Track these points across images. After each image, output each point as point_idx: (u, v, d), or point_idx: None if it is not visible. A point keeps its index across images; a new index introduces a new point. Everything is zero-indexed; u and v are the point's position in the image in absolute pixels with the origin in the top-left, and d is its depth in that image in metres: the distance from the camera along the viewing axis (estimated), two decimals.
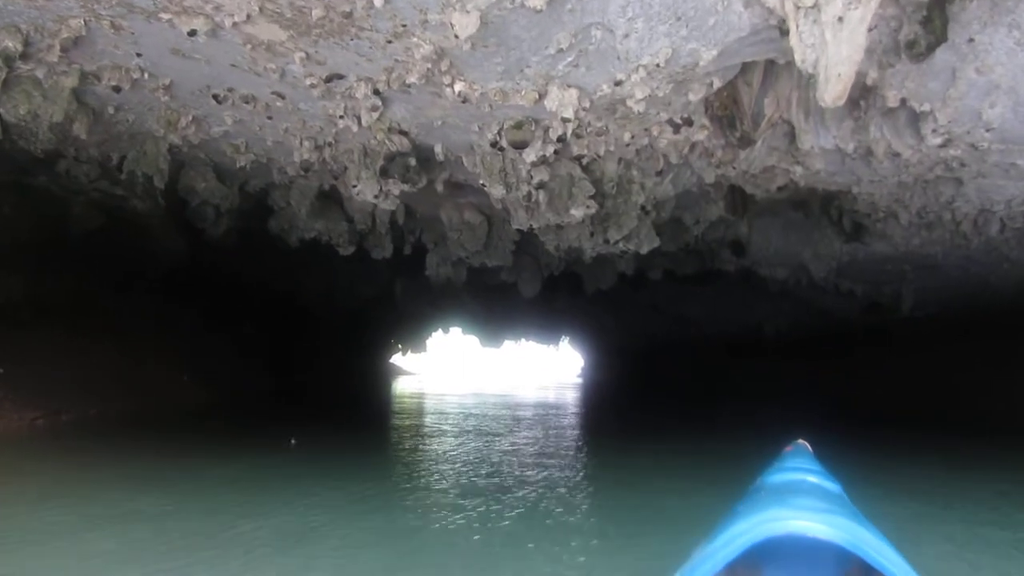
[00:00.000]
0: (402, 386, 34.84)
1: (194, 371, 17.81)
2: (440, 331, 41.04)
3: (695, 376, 34.22)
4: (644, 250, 11.89)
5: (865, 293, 18.26)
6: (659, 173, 10.80)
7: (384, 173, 8.65)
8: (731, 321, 27.43)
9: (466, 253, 12.88)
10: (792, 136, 9.93)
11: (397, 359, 45.62)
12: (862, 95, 8.88)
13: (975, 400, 18.95)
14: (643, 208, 11.04)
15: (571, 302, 27.83)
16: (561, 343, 49.58)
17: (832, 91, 5.93)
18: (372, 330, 29.49)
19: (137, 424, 12.89)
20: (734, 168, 10.72)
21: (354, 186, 9.03)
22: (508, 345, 47.20)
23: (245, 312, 21.68)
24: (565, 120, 7.30)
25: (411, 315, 25.74)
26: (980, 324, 18.53)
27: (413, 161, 8.59)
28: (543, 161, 8.47)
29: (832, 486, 3.81)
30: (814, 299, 20.61)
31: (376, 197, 9.06)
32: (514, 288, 20.96)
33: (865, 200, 11.85)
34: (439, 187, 10.12)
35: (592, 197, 9.57)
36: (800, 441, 5.13)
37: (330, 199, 11.49)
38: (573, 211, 9.44)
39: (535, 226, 10.10)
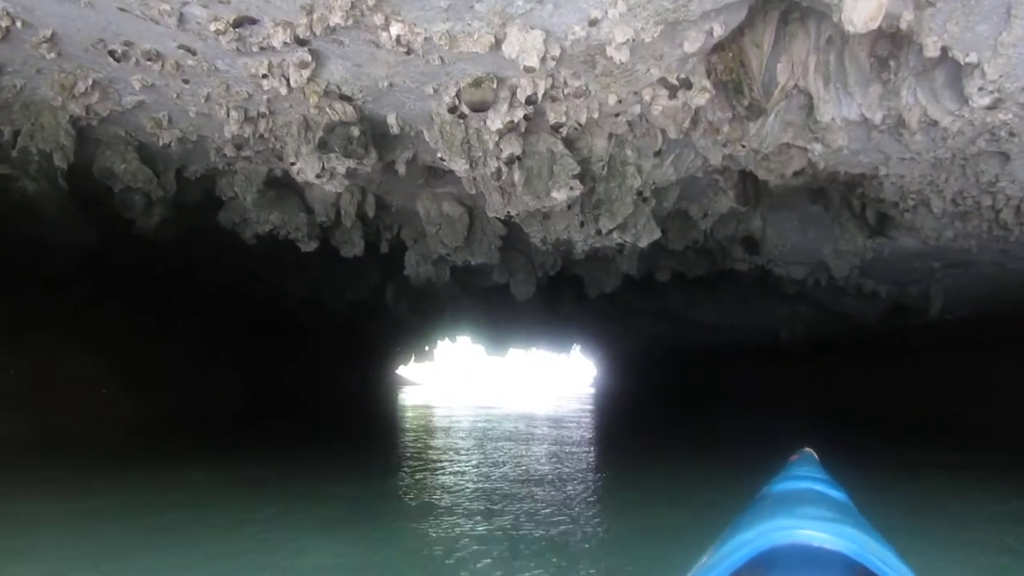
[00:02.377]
0: (405, 399, 33.54)
1: (129, 383, 16.18)
2: (447, 340, 39.79)
3: (709, 385, 32.98)
4: (644, 243, 10.53)
5: (890, 294, 16.84)
6: (657, 154, 9.44)
7: (323, 147, 7.30)
8: (746, 328, 26.01)
9: (446, 249, 11.53)
10: (810, 108, 8.58)
11: (402, 370, 44.33)
12: (892, 52, 7.54)
13: (1006, 409, 17.61)
14: (640, 194, 9.68)
15: (577, 307, 26.57)
16: (572, 352, 48.19)
17: (864, 9, 4.55)
18: (370, 338, 28.13)
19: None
20: (743, 147, 9.35)
21: (292, 164, 7.68)
22: (516, 354, 45.95)
23: (209, 318, 19.97)
24: (528, 69, 5.93)
25: (406, 322, 24.31)
26: (1016, 328, 17.16)
27: (356, 131, 7.23)
28: (511, 128, 7.09)
29: (839, 495, 3.71)
30: (834, 302, 19.19)
31: (319, 177, 7.70)
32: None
33: (893, 186, 10.47)
34: (401, 168, 8.75)
35: (578, 178, 8.21)
36: (807, 449, 5.05)
37: (286, 187, 10.17)
38: (555, 193, 8.07)
39: (512, 213, 8.74)
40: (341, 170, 7.62)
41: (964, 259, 13.55)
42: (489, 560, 6.42)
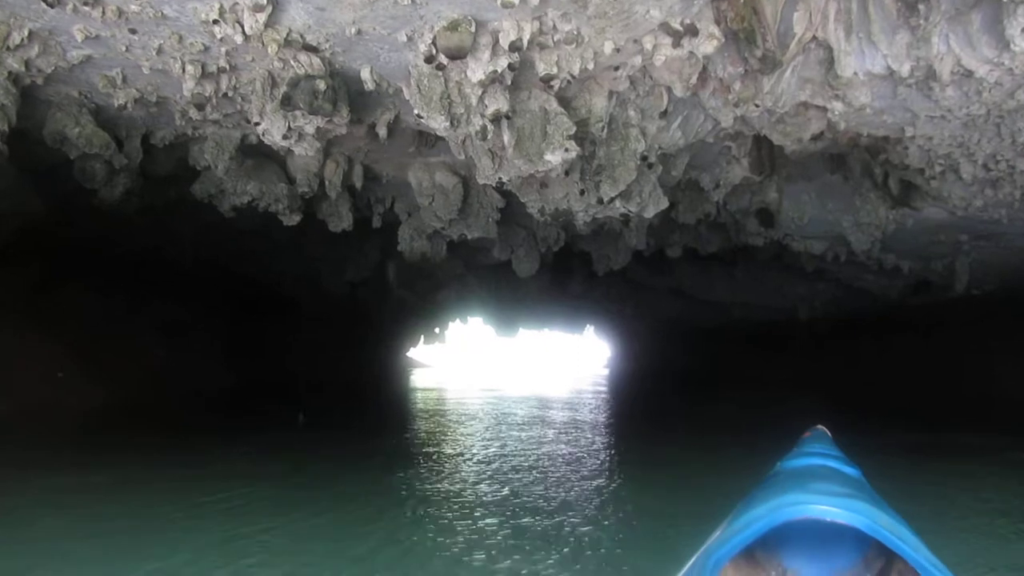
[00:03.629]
0: (412, 382, 32.78)
1: (92, 366, 15.08)
2: (458, 321, 39.05)
3: (725, 365, 32.30)
4: (650, 213, 9.79)
5: (912, 270, 16.04)
6: (663, 115, 8.69)
7: (287, 102, 6.57)
8: (763, 307, 25.39)
9: (441, 223, 10.82)
10: (829, 63, 7.84)
11: (412, 352, 43.64)
12: None
13: None
14: (644, 159, 8.94)
15: (588, 286, 25.91)
16: (585, 333, 47.40)
17: None
18: (375, 320, 27.41)
19: None
20: (757, 106, 8.59)
21: (257, 124, 6.95)
22: (528, 334, 45.20)
23: (190, 298, 18.95)
24: (507, 4, 5.18)
25: (411, 302, 23.56)
26: None
27: (322, 84, 6.48)
28: (495, 79, 6.34)
29: (852, 471, 3.77)
30: (854, 278, 18.48)
31: (286, 138, 6.99)
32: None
33: (919, 149, 9.70)
34: (382, 131, 8.01)
35: (575, 140, 7.46)
36: (819, 426, 5.13)
37: (265, 157, 9.46)
38: (548, 156, 7.32)
39: (504, 179, 7.99)
40: (310, 130, 6.90)
41: (993, 230, 12.78)
42: None
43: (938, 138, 9.02)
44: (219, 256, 16.91)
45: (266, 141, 7.21)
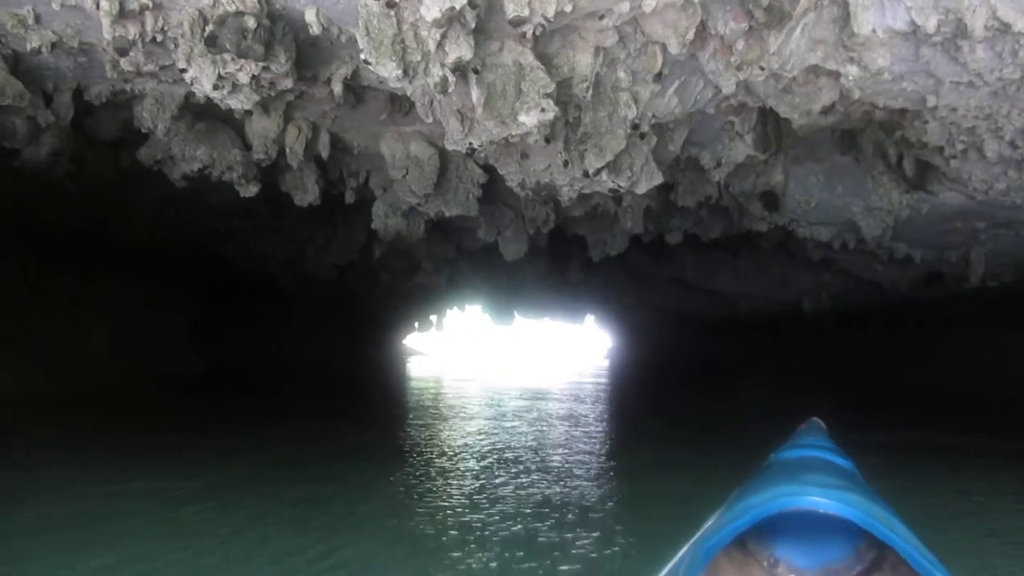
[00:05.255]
0: (407, 372, 31.83)
1: (18, 350, 13.72)
2: (455, 309, 38.21)
3: (727, 358, 31.63)
4: (642, 189, 8.90)
5: (925, 260, 15.20)
6: (657, 78, 7.79)
7: (212, 43, 5.67)
8: (767, 298, 24.64)
9: (416, 198, 9.93)
10: (844, 21, 6.97)
11: (408, 339, 42.77)
12: None
13: None
14: (636, 128, 8.04)
15: (586, 274, 25.07)
16: (584, 322, 46.58)
17: None
18: (364, 306, 26.50)
19: None
20: (762, 69, 7.68)
21: (183, 71, 6.06)
22: (527, 323, 44.41)
23: (153, 279, 17.56)
24: None
25: (401, 287, 22.66)
26: None
27: (251, 22, 5.57)
28: (453, 18, 5.42)
29: (845, 463, 3.83)
30: (863, 269, 17.68)
31: (218, 88, 6.09)
32: (520, 259, 18.14)
33: (940, 125, 8.84)
34: (336, 87, 7.08)
35: (554, 100, 6.57)
36: (814, 419, 5.15)
37: (220, 120, 8.59)
38: (523, 117, 6.43)
39: (476, 144, 7.10)
40: (243, 78, 5.99)
41: (1014, 217, 11.91)
42: None
43: (963, 109, 8.11)
44: (191, 234, 15.97)
45: (196, 92, 6.31)
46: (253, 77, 6.04)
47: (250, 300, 21.58)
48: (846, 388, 20.36)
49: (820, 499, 2.77)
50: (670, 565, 3.29)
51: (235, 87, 6.16)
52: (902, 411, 16.73)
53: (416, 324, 38.10)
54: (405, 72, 5.67)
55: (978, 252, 14.40)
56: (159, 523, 6.39)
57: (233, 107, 6.62)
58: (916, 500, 5.61)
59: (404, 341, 42.03)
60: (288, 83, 6.41)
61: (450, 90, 5.99)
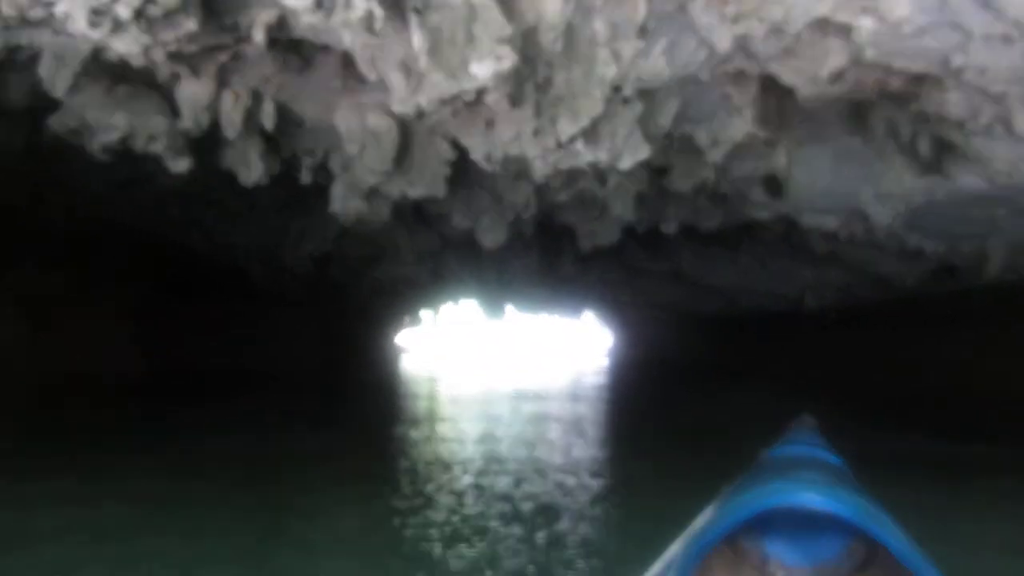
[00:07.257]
0: (398, 371, 30.62)
1: None
2: (450, 303, 37.28)
3: (728, 356, 31.26)
4: (625, 164, 7.90)
5: (936, 252, 14.31)
6: (641, 33, 6.78)
7: None
8: (769, 294, 24.05)
9: (376, 177, 8.92)
10: None
11: (399, 337, 41.63)
12: None
13: None
14: (618, 91, 7.04)
15: (580, 269, 24.18)
16: (583, 317, 45.85)
17: None
18: (351, 300, 25.42)
19: None
20: (761, 22, 6.68)
21: (50, 3, 5.00)
22: (524, 319, 43.59)
23: (83, 268, 15.77)
24: None
25: (364, 279, 21.57)
26: None
27: None
28: None
29: (835, 461, 3.87)
30: (870, 262, 16.94)
31: (95, 26, 4.99)
32: (508, 251, 17.20)
33: (964, 94, 7.91)
34: (258, 36, 5.98)
35: (514, 49, 5.53)
36: (805, 416, 5.21)
37: (148, 86, 7.55)
38: (475, 67, 5.39)
39: (423, 103, 6.06)
40: (124, 13, 4.92)
41: None
42: None
43: (993, 70, 7.09)
44: (144, 221, 14.89)
45: (73, 31, 5.23)
46: (137, 12, 4.97)
47: (217, 295, 20.13)
48: (846, 389, 19.84)
49: (811, 496, 2.79)
50: (659, 564, 3.24)
51: (117, 25, 5.08)
52: (911, 414, 15.80)
53: (406, 320, 37.09)
54: (318, 4, 4.63)
55: (994, 243, 13.55)
56: None
57: (121, 52, 5.56)
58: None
59: (394, 339, 40.80)
60: (191, 25, 5.35)
61: (378, 28, 4.94)
